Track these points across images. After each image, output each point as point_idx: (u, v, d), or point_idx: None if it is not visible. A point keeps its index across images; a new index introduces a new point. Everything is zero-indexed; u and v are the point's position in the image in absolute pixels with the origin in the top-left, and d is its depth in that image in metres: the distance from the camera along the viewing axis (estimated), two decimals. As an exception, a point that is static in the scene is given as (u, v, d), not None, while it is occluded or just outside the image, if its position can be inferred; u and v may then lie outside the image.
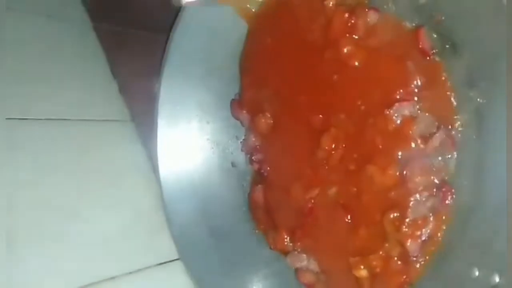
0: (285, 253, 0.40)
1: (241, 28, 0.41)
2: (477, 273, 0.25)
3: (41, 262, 0.32)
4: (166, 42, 0.41)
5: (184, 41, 0.40)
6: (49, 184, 0.35)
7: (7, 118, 0.35)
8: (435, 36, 0.29)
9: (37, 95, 0.39)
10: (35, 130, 0.37)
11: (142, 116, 0.45)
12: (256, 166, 0.42)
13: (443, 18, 0.28)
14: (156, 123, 0.42)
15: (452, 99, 0.29)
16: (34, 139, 0.37)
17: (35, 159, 0.36)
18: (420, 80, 0.30)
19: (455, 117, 0.29)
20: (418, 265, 0.30)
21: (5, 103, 0.36)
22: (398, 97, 0.31)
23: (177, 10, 0.40)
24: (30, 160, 0.35)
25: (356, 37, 0.32)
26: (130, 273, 0.36)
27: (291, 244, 0.39)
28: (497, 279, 0.23)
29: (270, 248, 0.41)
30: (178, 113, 0.42)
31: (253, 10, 0.39)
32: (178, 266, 0.40)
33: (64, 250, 0.33)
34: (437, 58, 0.29)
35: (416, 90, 0.30)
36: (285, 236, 0.39)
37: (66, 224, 0.35)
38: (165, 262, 0.40)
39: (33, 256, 0.31)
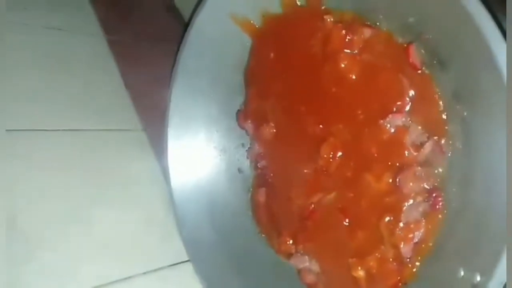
0: (289, 255, 0.42)
1: (245, 42, 0.43)
2: (462, 273, 0.27)
3: (56, 263, 0.34)
4: (177, 54, 0.44)
5: (191, 55, 0.43)
6: (62, 189, 0.37)
7: (8, 130, 0.36)
8: (423, 52, 0.31)
9: (50, 107, 0.41)
10: (49, 140, 0.40)
11: (154, 125, 0.48)
12: (260, 172, 0.44)
13: (430, 36, 0.30)
14: (166, 133, 0.44)
15: (441, 110, 0.31)
16: (48, 149, 0.39)
17: (50, 167, 0.38)
18: (412, 93, 0.32)
19: (444, 127, 0.31)
20: (411, 266, 0.32)
21: (10, 115, 0.37)
22: (392, 108, 0.33)
23: (186, 24, 0.43)
24: (45, 168, 0.37)
25: (353, 52, 0.35)
26: (144, 273, 0.39)
27: (293, 246, 0.41)
28: (478, 278, 0.25)
29: (275, 252, 0.43)
30: (187, 123, 0.45)
31: (257, 26, 0.42)
32: (189, 268, 0.42)
33: (78, 252, 0.36)
34: (427, 71, 0.31)
35: (408, 101, 0.32)
36: (288, 239, 0.41)
37: (79, 227, 0.37)
38: (176, 264, 0.42)
39: (48, 257, 0.33)
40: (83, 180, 0.40)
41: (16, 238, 0.32)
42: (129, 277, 0.38)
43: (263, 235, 0.45)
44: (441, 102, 0.30)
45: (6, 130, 0.36)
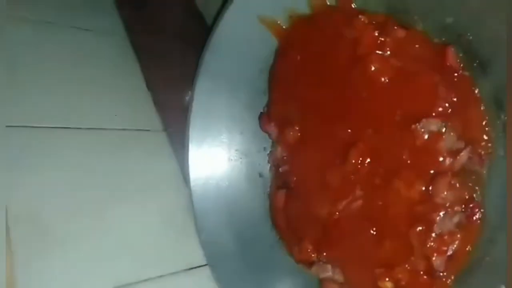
0: (309, 264, 0.40)
1: (270, 43, 0.42)
2: (503, 289, 0.25)
3: (74, 261, 0.33)
4: (199, 55, 0.43)
5: (216, 55, 0.42)
6: (83, 187, 0.37)
7: (28, 126, 0.37)
8: (462, 54, 0.29)
9: (72, 105, 0.41)
10: (71, 137, 0.39)
11: (174, 126, 0.47)
12: (280, 176, 0.43)
13: (470, 38, 0.28)
14: (188, 134, 0.43)
15: (482, 116, 0.29)
16: (70, 147, 0.39)
17: (71, 165, 0.38)
18: (450, 97, 0.31)
19: (484, 134, 0.29)
20: (444, 280, 0.30)
21: (40, 112, 0.38)
22: (426, 113, 0.31)
23: (209, 26, 0.42)
24: (66, 165, 0.37)
25: (385, 54, 0.33)
26: (160, 276, 0.38)
27: (314, 255, 0.39)
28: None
29: (294, 260, 0.41)
30: (209, 124, 0.44)
31: (284, 27, 0.41)
32: (206, 272, 0.41)
33: (96, 251, 0.35)
34: (466, 74, 0.30)
35: (445, 106, 0.31)
36: (309, 247, 0.39)
37: (98, 226, 0.36)
38: (194, 268, 0.41)
39: (66, 255, 0.33)
40: (102, 179, 0.40)
41: (36, 233, 0.32)
42: (146, 280, 0.37)
43: (282, 242, 0.43)
44: (481, 107, 0.29)
45: (25, 126, 0.36)
